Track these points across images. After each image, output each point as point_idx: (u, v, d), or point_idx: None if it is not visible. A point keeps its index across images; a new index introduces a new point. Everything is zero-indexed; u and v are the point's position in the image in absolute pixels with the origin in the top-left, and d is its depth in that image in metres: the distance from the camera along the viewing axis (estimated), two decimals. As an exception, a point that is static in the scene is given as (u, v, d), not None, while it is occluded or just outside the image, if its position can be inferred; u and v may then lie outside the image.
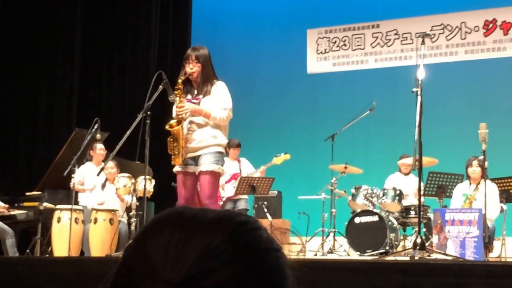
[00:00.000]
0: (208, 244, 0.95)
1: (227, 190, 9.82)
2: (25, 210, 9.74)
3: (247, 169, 10.17)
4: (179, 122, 6.17)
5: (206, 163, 6.14)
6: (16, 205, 9.83)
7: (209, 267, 0.93)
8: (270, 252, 1.00)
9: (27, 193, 10.03)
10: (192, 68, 6.21)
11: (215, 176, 6.20)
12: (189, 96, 6.31)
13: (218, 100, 6.21)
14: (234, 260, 0.94)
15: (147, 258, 0.96)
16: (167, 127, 6.17)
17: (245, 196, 9.99)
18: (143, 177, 8.34)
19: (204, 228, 0.97)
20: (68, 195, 9.10)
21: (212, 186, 6.18)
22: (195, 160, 6.23)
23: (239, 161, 10.22)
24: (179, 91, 6.23)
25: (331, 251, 9.42)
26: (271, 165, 9.91)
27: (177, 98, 6.22)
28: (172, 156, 6.22)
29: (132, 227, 8.52)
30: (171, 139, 6.20)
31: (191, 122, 6.23)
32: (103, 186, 9.46)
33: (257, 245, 0.99)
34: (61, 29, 13.41)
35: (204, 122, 6.21)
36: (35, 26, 13.23)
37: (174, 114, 6.30)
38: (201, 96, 6.24)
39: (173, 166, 6.32)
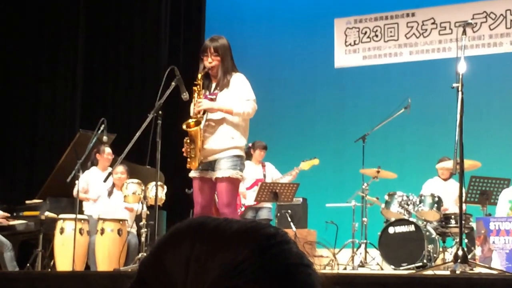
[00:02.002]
0: (232, 258, 0.94)
1: (249, 197, 9.79)
2: (25, 220, 9.80)
3: (272, 174, 10.15)
4: (198, 122, 6.14)
5: (222, 169, 6.13)
6: (15, 214, 9.89)
7: (234, 285, 0.93)
8: (300, 268, 0.99)
9: (27, 202, 10.09)
10: (211, 62, 6.20)
11: (233, 182, 6.18)
12: (206, 92, 6.30)
13: (238, 92, 6.20)
14: (261, 277, 0.94)
15: (166, 273, 0.96)
16: (184, 126, 6.15)
17: (269, 205, 9.96)
18: (154, 183, 8.36)
19: (228, 241, 0.97)
20: (72, 204, 9.13)
21: (230, 193, 6.17)
22: (212, 165, 6.22)
23: (263, 165, 10.19)
24: (198, 87, 6.22)
25: (362, 265, 9.40)
26: (299, 170, 9.90)
27: (196, 95, 6.22)
28: (188, 159, 6.20)
29: (142, 239, 8.54)
30: (188, 141, 6.18)
31: (208, 120, 6.22)
32: (110, 193, 9.47)
33: (286, 260, 0.98)
34: (63, 20, 13.45)
35: (221, 119, 6.20)
36: (34, 16, 13.29)
37: (192, 113, 6.29)
38: (218, 91, 6.24)
39: (188, 171, 6.32)
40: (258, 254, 0.96)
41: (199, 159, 6.16)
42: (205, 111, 6.21)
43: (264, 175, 10.07)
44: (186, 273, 0.94)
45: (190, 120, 6.19)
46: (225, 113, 6.15)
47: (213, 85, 6.31)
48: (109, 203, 9.43)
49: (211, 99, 6.23)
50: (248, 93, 6.22)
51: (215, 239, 0.97)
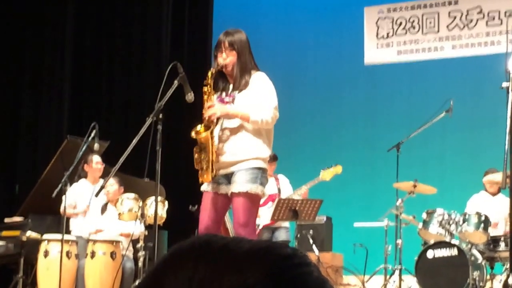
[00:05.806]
0: (241, 282, 0.94)
1: (263, 215, 9.78)
2: (4, 241, 9.82)
3: (286, 188, 10.15)
4: (208, 127, 6.12)
5: (240, 182, 6.08)
6: (-9, 234, 9.93)
7: (242, 312, 0.93)
8: (322, 295, 0.99)
9: (6, 220, 10.12)
10: (225, 58, 6.18)
11: (252, 198, 6.13)
12: (223, 94, 6.28)
13: (258, 96, 6.17)
14: (275, 304, 0.94)
15: (165, 298, 0.97)
16: (193, 134, 6.13)
17: (286, 224, 9.96)
18: (153, 198, 8.36)
19: (238, 262, 0.97)
20: (58, 222, 9.15)
21: (247, 211, 6.12)
22: (228, 178, 6.19)
23: (276, 178, 10.19)
24: (208, 86, 6.19)
25: (396, 295, 9.40)
26: (318, 181, 9.87)
27: (206, 97, 6.19)
28: (200, 172, 6.16)
29: (140, 263, 8.55)
30: (198, 150, 6.16)
31: (224, 129, 6.20)
32: (103, 210, 9.45)
33: (304, 285, 0.98)
34: (49, 8, 13.47)
35: (239, 126, 6.18)
36: (18, 17, 13.33)
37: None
38: (236, 92, 6.22)
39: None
40: (272, 278, 0.95)
41: (213, 171, 6.10)
42: (218, 117, 6.18)
43: (279, 189, 10.07)
44: (188, 299, 0.95)
45: (198, 127, 6.16)
46: (241, 119, 6.12)
47: (230, 86, 6.30)
48: (100, 221, 9.41)
49: (228, 102, 6.21)
50: (269, 98, 6.16)
51: (221, 260, 0.97)
